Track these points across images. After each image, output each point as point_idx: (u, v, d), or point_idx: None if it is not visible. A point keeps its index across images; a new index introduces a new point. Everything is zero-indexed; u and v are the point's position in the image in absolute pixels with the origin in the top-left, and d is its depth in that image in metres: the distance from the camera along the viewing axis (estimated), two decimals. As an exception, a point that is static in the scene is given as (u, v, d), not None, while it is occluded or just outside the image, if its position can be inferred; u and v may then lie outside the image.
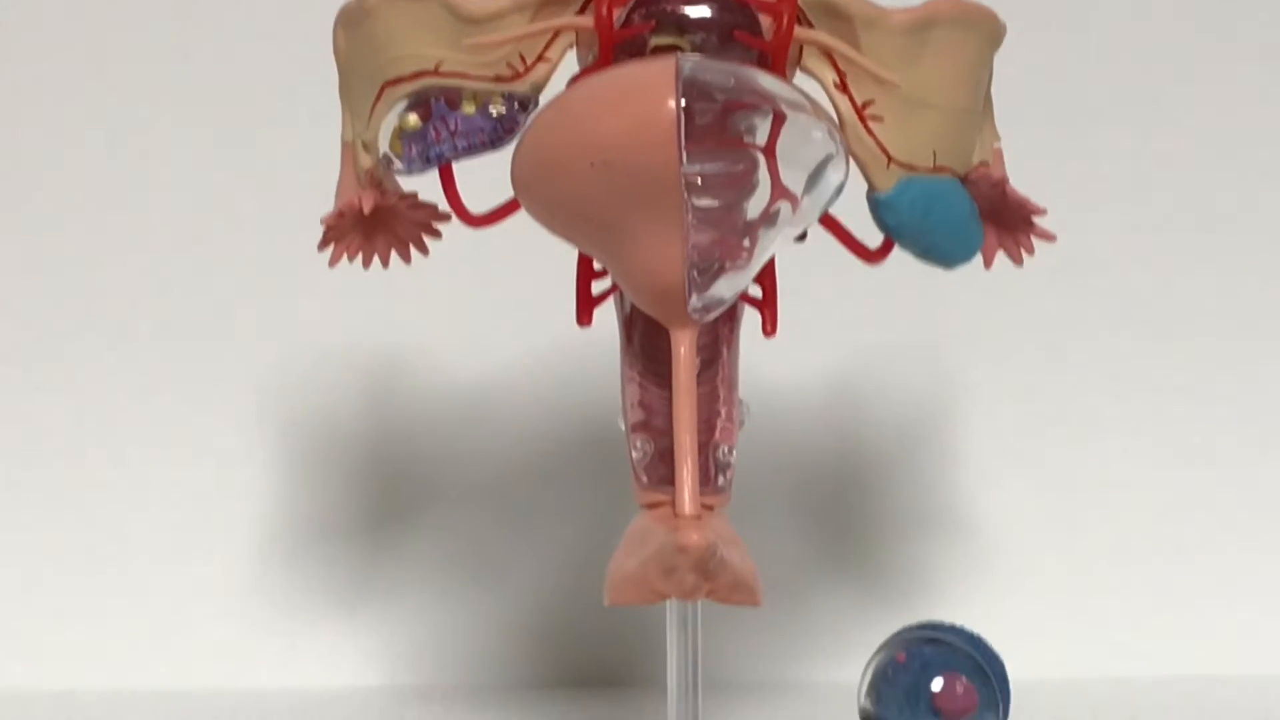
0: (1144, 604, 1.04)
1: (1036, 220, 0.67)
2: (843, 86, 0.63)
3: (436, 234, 0.69)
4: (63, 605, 1.04)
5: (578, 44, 0.65)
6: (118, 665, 1.03)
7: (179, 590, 1.04)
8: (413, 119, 0.64)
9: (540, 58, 0.63)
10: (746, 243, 0.60)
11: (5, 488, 1.05)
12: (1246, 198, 1.06)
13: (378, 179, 0.65)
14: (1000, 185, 0.66)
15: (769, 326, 0.68)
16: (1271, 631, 1.04)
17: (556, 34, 0.64)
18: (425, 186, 0.67)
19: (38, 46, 1.05)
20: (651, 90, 0.58)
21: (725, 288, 0.61)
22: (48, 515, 1.05)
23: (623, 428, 0.67)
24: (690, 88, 0.58)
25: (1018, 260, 0.68)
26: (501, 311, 1.03)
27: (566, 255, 0.67)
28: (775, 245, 0.62)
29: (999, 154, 0.66)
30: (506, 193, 0.64)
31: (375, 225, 0.68)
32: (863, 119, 0.63)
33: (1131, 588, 1.04)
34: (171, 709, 0.97)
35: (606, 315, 0.69)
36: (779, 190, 0.60)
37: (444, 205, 0.67)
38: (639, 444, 0.66)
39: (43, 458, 1.05)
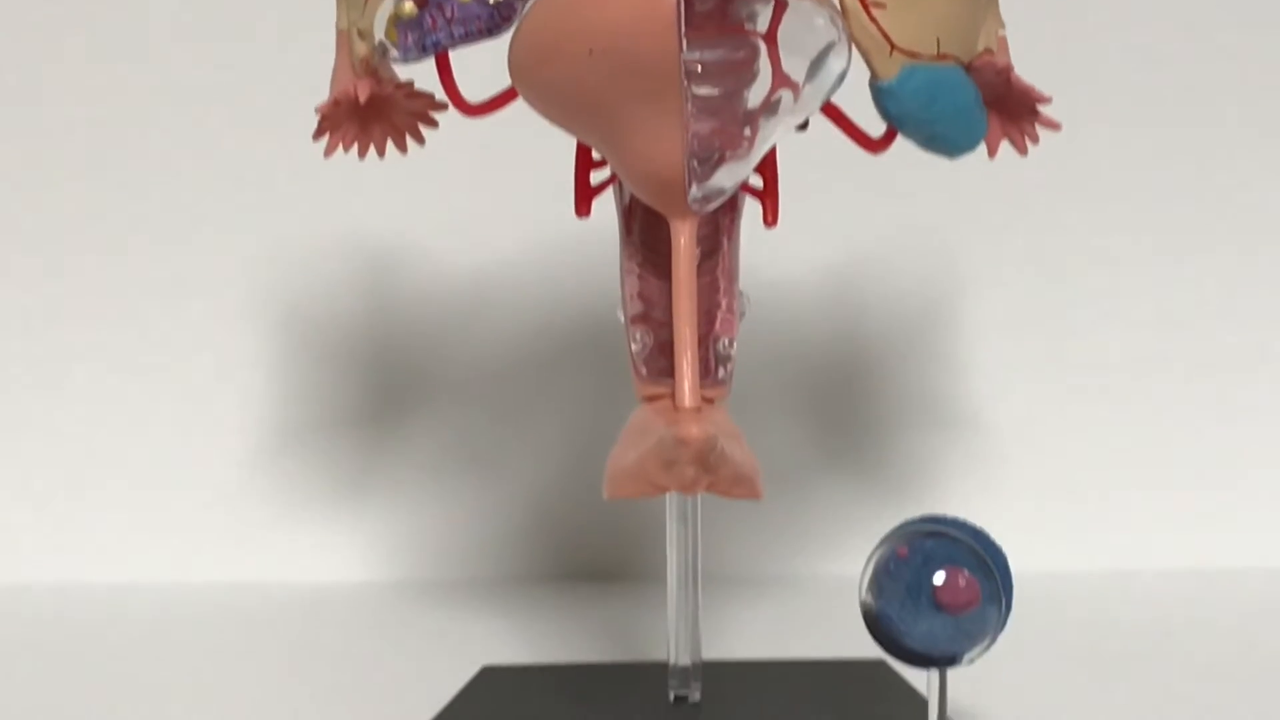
0: (1148, 497, 1.04)
1: (1042, 109, 0.66)
2: (845, -28, 0.63)
3: (433, 123, 0.68)
4: (62, 500, 1.04)
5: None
6: (116, 560, 1.03)
7: (177, 485, 1.04)
8: (408, 6, 0.63)
9: (538, -58, 0.63)
10: (747, 132, 0.60)
11: (4, 384, 1.05)
12: (1247, 101, 1.06)
13: (373, 68, 0.65)
14: (1005, 73, 0.65)
15: (770, 217, 0.68)
16: (1272, 525, 1.04)
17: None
18: (422, 75, 0.66)
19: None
20: (651, -24, 0.58)
21: (726, 177, 0.61)
22: (47, 410, 1.05)
23: (622, 320, 0.67)
24: (691, -27, 0.58)
25: (1022, 150, 0.67)
26: (499, 203, 1.03)
27: (565, 145, 0.67)
28: (776, 134, 0.62)
29: (1004, 41, 0.66)
30: (504, 81, 0.64)
31: (371, 115, 0.67)
32: (865, 5, 0.62)
33: (1135, 481, 1.04)
34: (170, 602, 0.98)
35: (605, 206, 0.68)
36: (780, 78, 0.60)
37: (441, 94, 0.67)
38: (638, 336, 0.66)
39: (42, 351, 1.05)
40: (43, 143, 1.05)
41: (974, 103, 0.64)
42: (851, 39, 0.62)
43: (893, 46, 0.63)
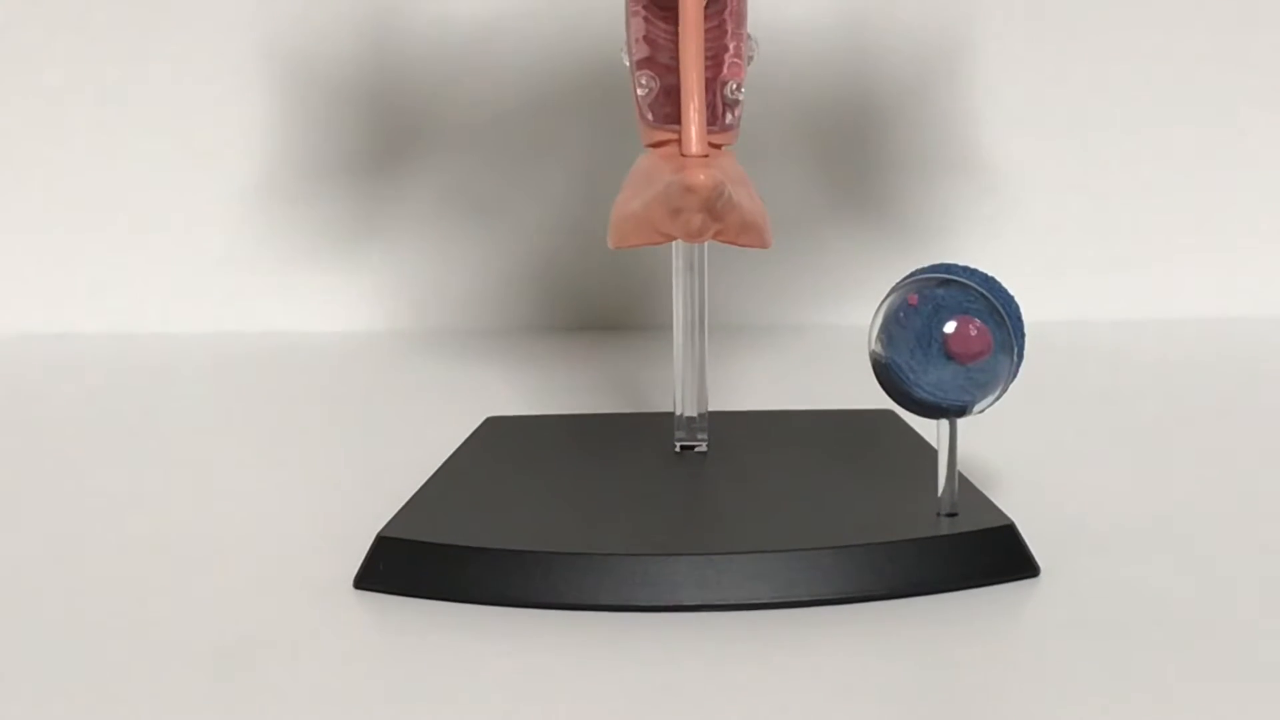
0: (1162, 243, 1.04)
1: None
2: None
3: None
4: (64, 250, 1.05)
5: None
6: (120, 308, 1.04)
7: (178, 232, 1.05)
8: None
9: None
10: None
11: (9, 129, 1.05)
12: None
13: None
14: None
15: (779, -43, 0.67)
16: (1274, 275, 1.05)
17: None
18: None
19: None
20: None
21: (735, -89, 0.60)
22: (51, 156, 1.05)
23: (626, 63, 0.66)
24: None
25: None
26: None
27: (567, -119, 0.66)
28: None
29: None
30: None
31: None
32: None
33: (1148, 231, 1.05)
34: (173, 350, 0.99)
35: (610, -54, 0.67)
36: None
37: None
38: (644, 80, 0.65)
39: (48, 94, 1.05)
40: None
41: None
42: None
43: None
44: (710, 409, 0.68)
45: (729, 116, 0.65)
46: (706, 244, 0.64)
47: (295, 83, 1.04)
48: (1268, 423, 0.79)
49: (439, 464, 0.66)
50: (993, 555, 0.56)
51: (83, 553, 0.61)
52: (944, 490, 0.58)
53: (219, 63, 1.04)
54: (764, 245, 0.61)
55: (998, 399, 0.58)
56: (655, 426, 0.70)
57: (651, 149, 0.65)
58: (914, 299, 0.57)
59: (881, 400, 0.59)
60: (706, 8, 0.64)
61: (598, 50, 1.01)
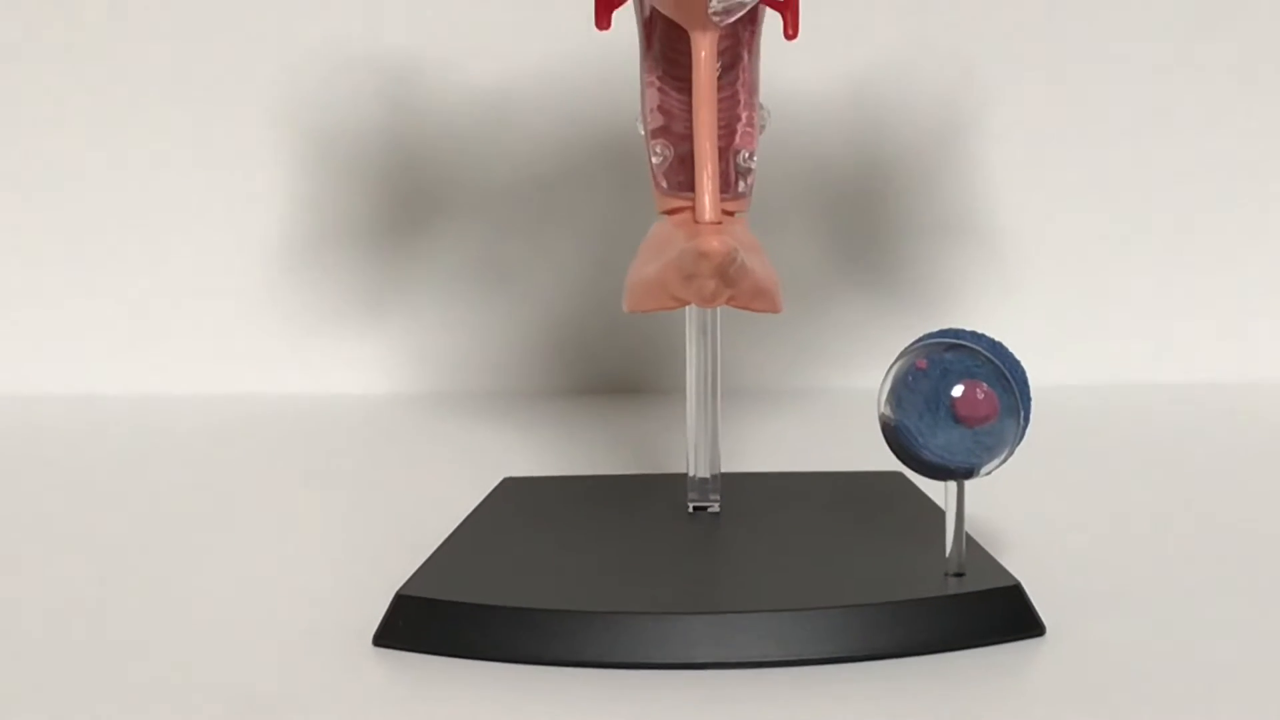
0: (1167, 310, 1.04)
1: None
2: None
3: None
4: (90, 311, 1.05)
5: None
6: (144, 370, 1.04)
7: (204, 295, 1.05)
8: None
9: None
10: (769, -58, 0.59)
11: (35, 201, 1.05)
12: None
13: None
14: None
15: (791, 29, 0.67)
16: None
17: None
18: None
19: None
20: None
21: (747, -11, 0.60)
22: (75, 219, 1.05)
23: (642, 133, 0.67)
24: None
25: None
26: (519, 15, 1.03)
27: (584, -44, 0.66)
28: (798, -55, 0.61)
29: None
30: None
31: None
32: None
33: (1155, 294, 1.05)
34: (196, 411, 0.99)
35: (625, 19, 0.68)
36: (803, -113, 0.59)
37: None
38: (658, 149, 0.66)
39: (71, 159, 1.05)
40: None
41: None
42: None
43: None
44: (723, 470, 0.68)
45: (741, 184, 0.66)
46: (719, 309, 0.65)
47: (317, 152, 1.04)
48: (1273, 488, 0.79)
49: (457, 523, 0.66)
50: (999, 615, 0.56)
51: (105, 607, 0.61)
52: (951, 551, 0.58)
53: (242, 131, 1.04)
54: (775, 310, 0.61)
55: (1004, 461, 0.58)
56: (669, 487, 0.70)
57: (666, 216, 0.65)
58: (922, 363, 0.57)
59: (890, 462, 0.59)
60: (720, 78, 0.64)
61: (613, 120, 1.01)
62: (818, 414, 0.97)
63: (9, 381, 1.04)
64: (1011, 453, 0.58)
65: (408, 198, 1.05)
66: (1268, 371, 1.03)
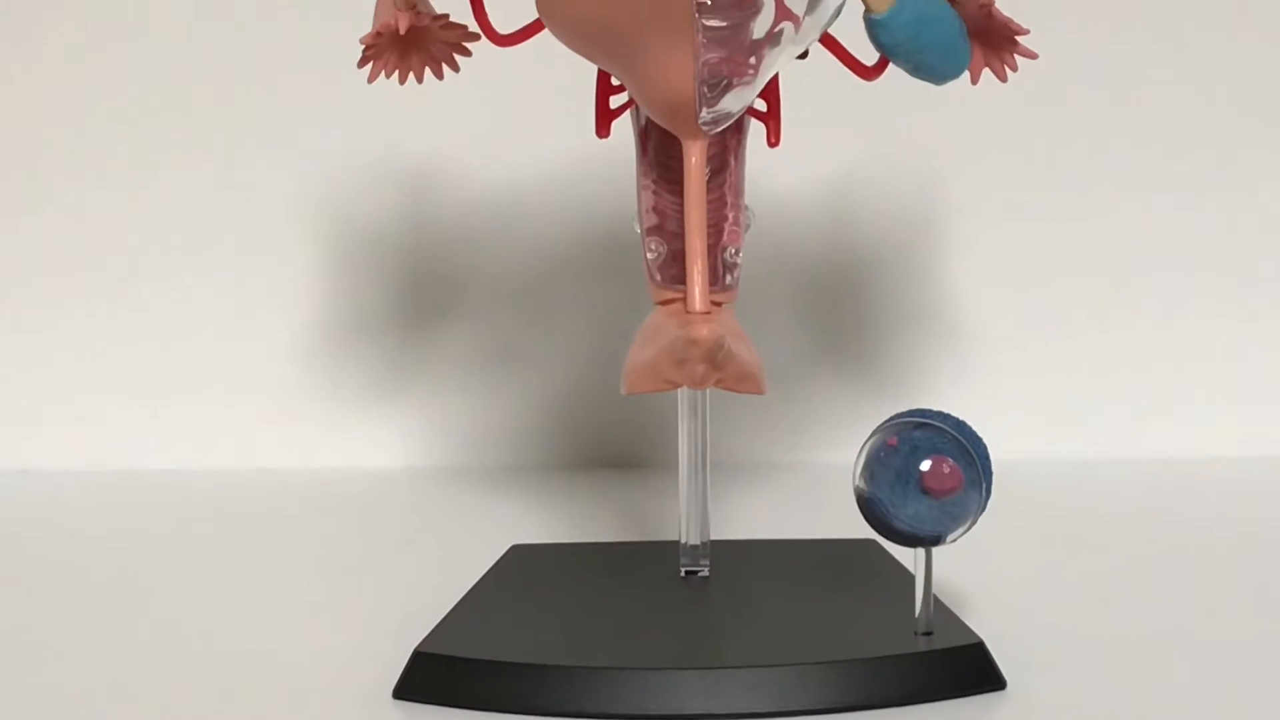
0: (1114, 393, 1.05)
1: (1020, 40, 0.66)
2: (843, -86, 0.62)
3: (467, 52, 0.68)
4: (128, 392, 1.05)
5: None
6: (179, 447, 1.04)
7: (235, 378, 1.05)
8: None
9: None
10: (753, 60, 0.60)
11: (77, 283, 1.06)
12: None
13: (412, 3, 0.65)
14: (987, 7, 0.65)
15: (773, 138, 0.68)
16: (1224, 417, 1.05)
17: None
18: (456, 8, 0.66)
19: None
20: (665, -84, 0.57)
21: (733, 102, 0.61)
22: (114, 309, 1.05)
23: (638, 231, 0.67)
24: (701, -86, 0.57)
25: (1002, 77, 0.67)
26: (526, 125, 1.03)
27: (587, 72, 0.67)
28: (779, 63, 0.62)
29: (987, -23, 0.65)
30: (531, 13, 0.64)
31: (410, 45, 0.67)
32: (861, -56, 0.62)
33: (1103, 378, 1.05)
34: (229, 485, 0.98)
35: (623, 128, 0.68)
36: (783, 11, 0.59)
37: (473, 26, 0.66)
38: (653, 246, 0.66)
39: (118, 256, 1.05)
40: (135, 84, 1.05)
41: (958, 34, 0.64)
42: (848, -25, 0.62)
43: (885, -18, 0.62)
44: (712, 538, 0.68)
45: (728, 278, 0.66)
46: (708, 390, 0.65)
47: (342, 244, 1.05)
48: (1222, 553, 0.79)
49: (470, 586, 0.66)
50: (964, 670, 0.56)
51: (132, 667, 0.61)
52: (920, 611, 0.58)
53: (277, 224, 1.05)
54: (760, 392, 0.61)
55: (968, 530, 0.58)
56: (663, 553, 0.70)
57: (660, 306, 0.65)
58: (893, 440, 0.57)
59: (865, 530, 0.59)
60: (708, 181, 0.64)
61: (612, 219, 1.01)
62: (799, 486, 0.97)
63: (36, 455, 1.04)
64: (975, 522, 0.58)
65: (426, 288, 1.05)
66: (1206, 447, 1.03)
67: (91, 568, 0.78)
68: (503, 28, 0.66)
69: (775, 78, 0.66)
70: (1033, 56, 0.66)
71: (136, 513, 0.92)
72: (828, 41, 0.66)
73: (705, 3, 0.57)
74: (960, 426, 0.58)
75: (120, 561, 0.80)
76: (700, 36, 0.58)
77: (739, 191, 0.67)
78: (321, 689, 0.58)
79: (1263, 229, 1.05)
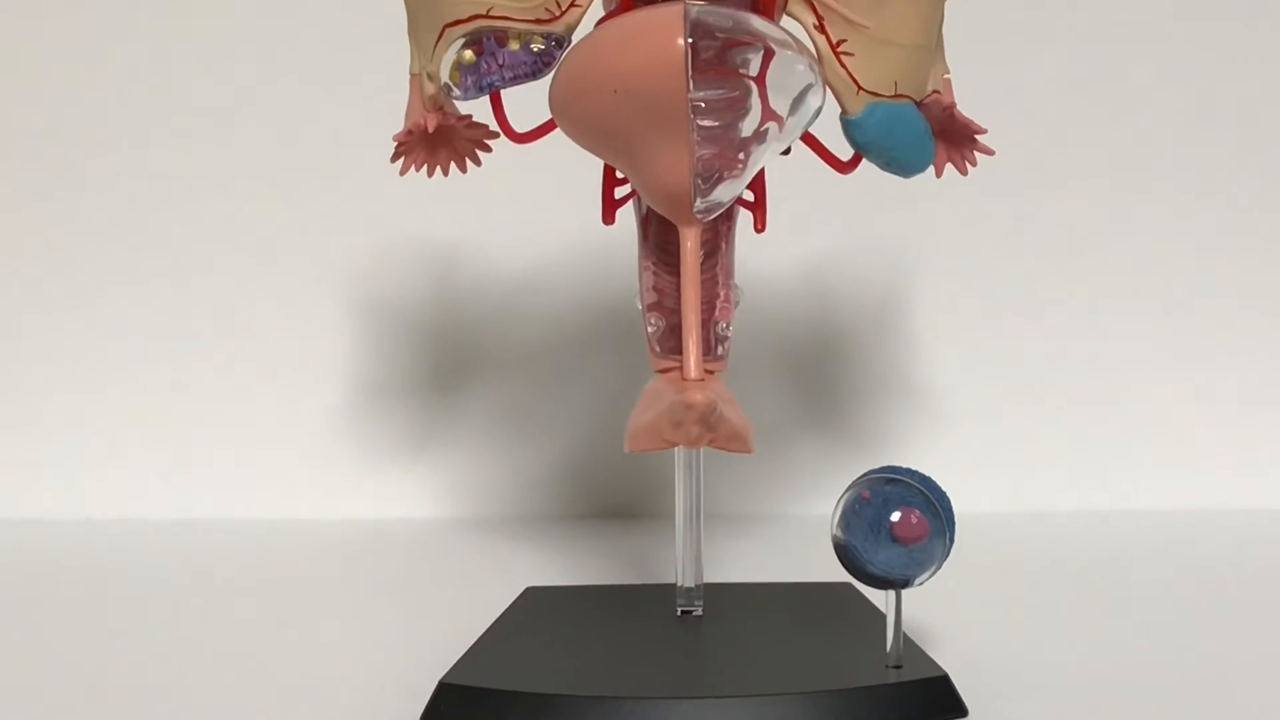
0: (1067, 451, 1.04)
1: (979, 138, 0.67)
2: (821, 28, 0.63)
3: (488, 149, 0.69)
4: (172, 450, 1.05)
5: (603, -8, 0.65)
6: (222, 499, 1.04)
7: (274, 438, 1.05)
8: (468, 54, 0.63)
9: (573, 3, 0.63)
10: (741, 156, 0.60)
11: (136, 347, 1.06)
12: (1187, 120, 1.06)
13: (440, 104, 0.65)
14: (950, 109, 0.65)
15: (759, 225, 0.68)
16: (1179, 470, 1.04)
17: (586, -17, 0.63)
18: (478, 110, 0.67)
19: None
20: (664, 30, 0.58)
21: (724, 193, 0.61)
22: (170, 373, 1.05)
23: (639, 307, 0.68)
24: (696, 28, 0.58)
25: (963, 170, 0.67)
26: (540, 212, 1.03)
27: (594, 166, 0.67)
28: (765, 158, 0.62)
29: (948, 83, 0.66)
30: (545, 115, 0.64)
31: (438, 142, 0.67)
32: (837, 54, 0.62)
33: (1056, 438, 1.04)
34: (267, 534, 0.98)
35: (627, 216, 0.69)
36: (768, 112, 0.60)
37: (494, 125, 0.67)
38: (653, 320, 0.66)
39: (172, 328, 1.05)
40: (186, 166, 1.06)
41: (925, 133, 0.65)
42: (825, 81, 0.62)
43: (859, 88, 0.63)
44: (705, 581, 0.68)
45: (720, 349, 0.66)
46: (702, 449, 0.65)
47: (372, 319, 1.05)
48: (1174, 595, 0.78)
49: (488, 624, 0.66)
50: (931, 700, 0.56)
51: (168, 705, 0.61)
52: (891, 647, 0.59)
53: (315, 305, 1.05)
54: (748, 451, 0.61)
55: (934, 574, 0.58)
56: (661, 595, 0.70)
57: (659, 374, 0.66)
58: (867, 494, 0.57)
59: (841, 575, 0.60)
60: (702, 263, 0.65)
61: (616, 297, 1.02)
62: (782, 535, 0.96)
63: (96, 504, 1.04)
64: (940, 567, 0.58)
65: (448, 356, 1.05)
66: (1145, 501, 1.03)
67: (116, 611, 0.77)
68: (520, 126, 0.67)
69: (761, 171, 0.67)
70: (990, 153, 0.67)
71: (187, 556, 0.92)
72: (808, 139, 0.66)
73: (700, 105, 0.58)
74: (926, 482, 0.58)
75: (174, 599, 0.79)
76: (695, 135, 0.58)
77: (730, 272, 0.67)
78: (352, 718, 0.58)
79: (1220, 293, 1.05)
